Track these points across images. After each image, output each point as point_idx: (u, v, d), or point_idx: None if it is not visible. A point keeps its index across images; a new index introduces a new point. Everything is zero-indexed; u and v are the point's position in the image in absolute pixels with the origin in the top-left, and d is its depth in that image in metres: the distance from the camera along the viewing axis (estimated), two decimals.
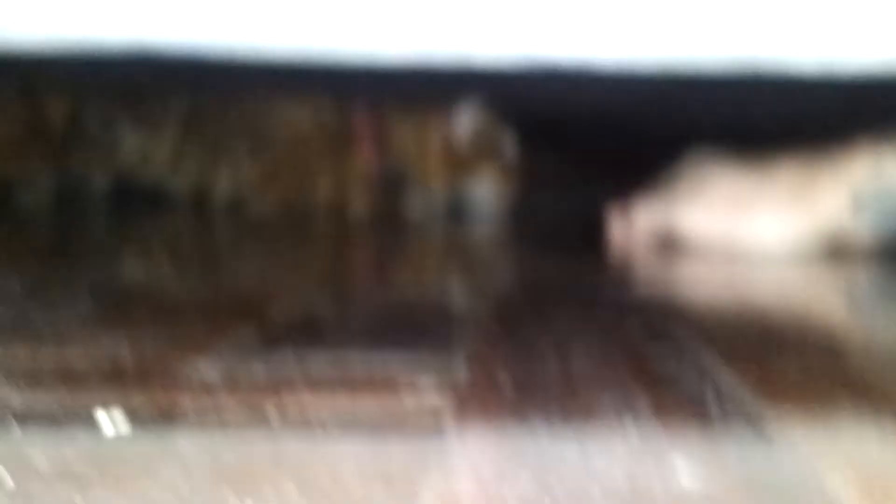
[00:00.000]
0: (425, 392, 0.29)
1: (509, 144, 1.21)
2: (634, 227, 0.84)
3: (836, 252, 0.73)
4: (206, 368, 0.31)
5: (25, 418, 0.26)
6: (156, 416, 0.26)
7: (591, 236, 0.93)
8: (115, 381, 0.30)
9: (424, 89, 1.14)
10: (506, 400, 0.28)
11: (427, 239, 0.99)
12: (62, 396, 0.28)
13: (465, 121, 1.18)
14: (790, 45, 0.78)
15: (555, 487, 0.21)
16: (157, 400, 0.28)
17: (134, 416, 0.26)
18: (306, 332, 0.40)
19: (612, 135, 1.21)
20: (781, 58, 0.78)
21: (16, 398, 0.28)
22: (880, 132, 0.73)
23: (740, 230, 0.76)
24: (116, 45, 0.81)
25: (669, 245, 0.80)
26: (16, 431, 0.25)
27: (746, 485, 0.22)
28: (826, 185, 0.73)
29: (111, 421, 0.25)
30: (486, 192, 1.20)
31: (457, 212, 1.21)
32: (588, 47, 0.79)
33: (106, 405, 0.26)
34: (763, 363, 0.35)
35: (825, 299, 0.58)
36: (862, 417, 0.27)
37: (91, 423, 0.25)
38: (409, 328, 0.40)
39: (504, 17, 0.82)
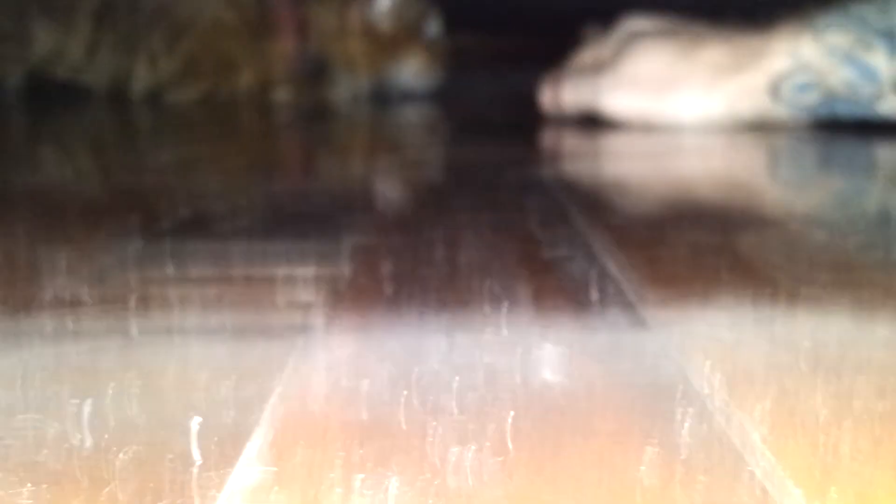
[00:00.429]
0: (300, 287, 0.28)
1: (434, 25, 1.18)
2: (562, 103, 0.84)
3: (756, 128, 0.73)
4: (72, 267, 0.30)
5: None
6: (7, 314, 0.25)
7: (520, 118, 0.92)
8: None
9: None
10: (382, 293, 0.28)
11: (348, 126, 0.97)
12: None
13: (386, 2, 1.14)
14: None
15: (413, 383, 0.20)
16: (12, 298, 0.27)
17: None
18: (193, 227, 0.39)
19: (541, 10, 1.19)
20: None
21: None
22: (801, 13, 0.72)
23: (661, 111, 0.76)
24: None
25: (596, 119, 0.80)
26: None
27: (611, 376, 0.21)
28: (747, 68, 0.73)
29: None
30: (411, 74, 1.18)
31: (382, 96, 1.19)
32: None
33: None
34: (657, 246, 0.34)
35: (740, 169, 0.58)
36: (742, 302, 0.27)
37: None
38: (302, 220, 0.39)
39: None
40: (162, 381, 0.21)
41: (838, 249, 0.34)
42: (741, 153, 0.65)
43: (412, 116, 1.06)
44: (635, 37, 0.79)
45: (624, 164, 0.62)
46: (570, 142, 0.73)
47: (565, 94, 0.83)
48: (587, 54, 0.85)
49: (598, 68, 0.81)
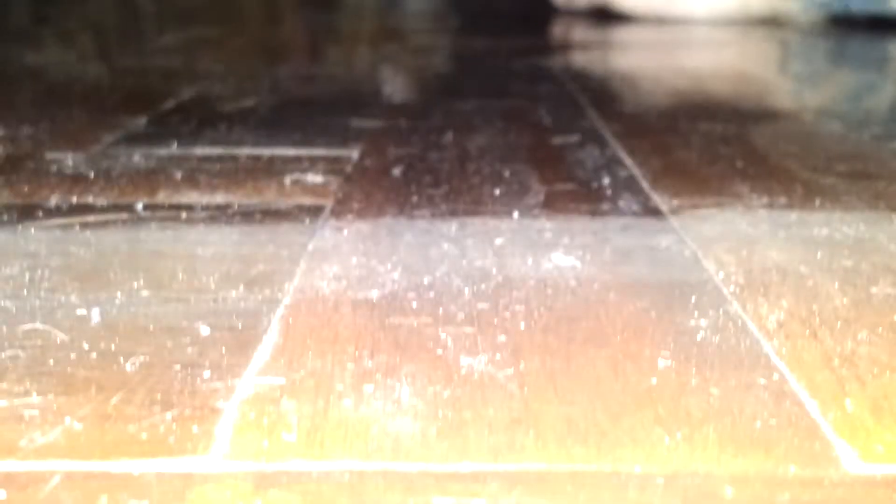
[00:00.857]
0: (310, 186, 0.28)
1: None
2: (574, 2, 0.82)
3: (769, 24, 0.72)
4: (80, 159, 0.30)
5: None
6: (14, 209, 0.25)
7: (530, 11, 0.90)
8: None
9: None
10: (392, 193, 0.27)
11: (355, 15, 0.95)
12: None
13: None
14: None
15: (423, 287, 0.20)
16: (20, 192, 0.26)
17: None
18: (197, 108, 0.38)
19: None
20: None
21: None
22: None
23: (673, 6, 0.74)
24: None
25: (609, 16, 0.78)
26: None
27: (627, 272, 0.21)
28: None
29: None
30: None
31: None
32: None
33: None
34: (670, 135, 0.34)
35: (753, 63, 0.57)
36: (757, 192, 0.27)
37: None
38: (314, 116, 0.38)
39: None
40: (170, 282, 0.21)
41: (852, 141, 0.33)
42: (754, 48, 0.64)
43: (420, 6, 1.04)
44: None
45: (635, 57, 0.61)
46: (581, 34, 0.72)
47: None
48: None
49: None
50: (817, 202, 0.25)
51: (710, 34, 0.68)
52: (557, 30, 0.76)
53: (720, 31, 0.69)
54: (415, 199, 0.26)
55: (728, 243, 0.22)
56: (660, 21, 0.75)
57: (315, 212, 0.25)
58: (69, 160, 0.29)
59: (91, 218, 0.24)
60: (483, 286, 0.20)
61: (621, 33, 0.71)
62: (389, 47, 0.63)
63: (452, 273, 0.20)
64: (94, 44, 0.65)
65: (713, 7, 0.75)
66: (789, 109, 0.41)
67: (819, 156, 0.31)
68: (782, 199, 0.26)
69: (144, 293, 0.19)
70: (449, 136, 0.34)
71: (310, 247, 0.22)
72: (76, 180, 0.27)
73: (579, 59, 0.58)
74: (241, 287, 0.19)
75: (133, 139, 0.32)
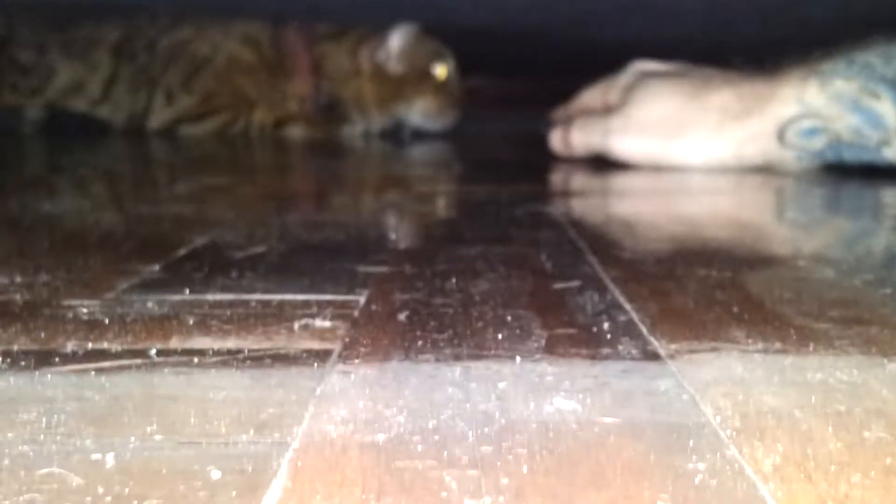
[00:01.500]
0: (318, 331, 0.28)
1: (447, 67, 1.19)
2: (572, 145, 0.85)
3: (764, 171, 0.74)
4: (96, 306, 0.31)
5: None
6: (31, 355, 0.25)
7: (530, 157, 0.92)
8: None
9: (357, 13, 1.11)
10: (398, 338, 0.28)
11: (360, 163, 0.98)
12: None
13: (396, 44, 1.16)
14: None
15: (429, 431, 0.20)
16: (35, 338, 0.27)
17: (8, 355, 0.25)
18: (209, 255, 0.39)
19: (551, 52, 1.20)
20: None
21: None
22: (807, 59, 0.73)
23: (670, 154, 0.76)
24: None
25: (605, 160, 0.81)
26: None
27: (626, 417, 0.21)
28: (754, 113, 0.74)
29: None
30: (422, 115, 1.19)
31: (394, 135, 1.20)
32: None
33: None
34: (667, 281, 0.35)
35: (748, 209, 0.58)
36: (752, 338, 0.27)
37: None
38: (323, 262, 0.39)
39: None
40: (183, 426, 0.21)
41: (846, 287, 0.34)
42: (749, 194, 0.66)
43: (424, 155, 1.07)
44: (644, 79, 0.80)
45: (632, 203, 0.63)
46: (580, 180, 0.74)
47: (575, 135, 0.84)
48: (595, 94, 0.86)
49: (607, 110, 0.82)
50: (811, 347, 0.26)
51: (705, 181, 0.70)
52: (557, 177, 0.78)
53: (716, 178, 0.71)
54: (420, 343, 0.27)
55: (724, 387, 0.23)
56: (656, 167, 0.77)
57: (323, 356, 0.25)
58: (85, 307, 0.30)
59: (106, 363, 0.24)
60: (486, 430, 0.20)
61: (619, 180, 0.73)
62: (394, 194, 0.65)
63: (457, 417, 0.21)
64: (108, 192, 0.67)
65: (708, 155, 0.77)
66: (784, 255, 0.42)
67: (813, 302, 0.32)
68: (777, 344, 0.26)
69: (158, 437, 0.20)
70: (453, 282, 0.35)
71: (318, 391, 0.23)
72: (91, 326, 0.28)
73: (578, 205, 0.59)
74: (252, 431, 0.20)
75: (147, 286, 0.34)
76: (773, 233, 0.51)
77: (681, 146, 0.77)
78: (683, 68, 0.82)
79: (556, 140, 0.87)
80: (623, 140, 0.79)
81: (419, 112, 1.18)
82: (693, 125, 0.76)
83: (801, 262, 0.39)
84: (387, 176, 0.85)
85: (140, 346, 0.26)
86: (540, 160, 0.87)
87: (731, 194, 0.66)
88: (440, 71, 1.17)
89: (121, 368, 0.24)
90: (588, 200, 0.62)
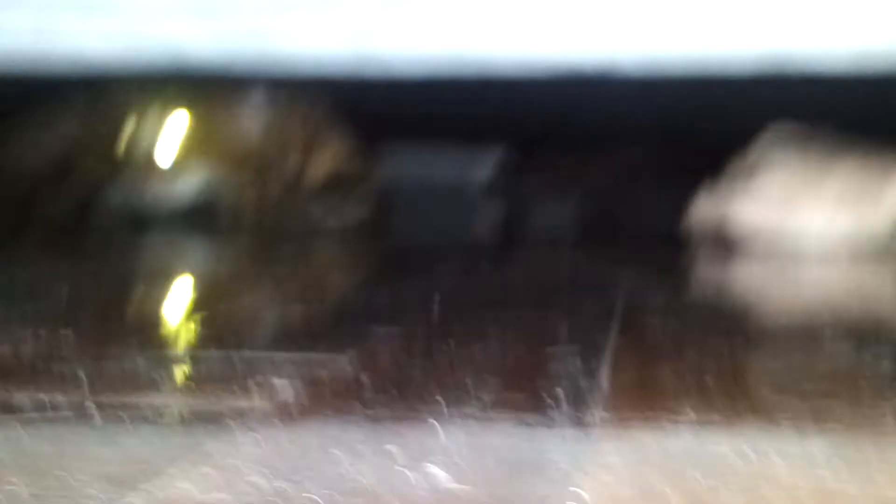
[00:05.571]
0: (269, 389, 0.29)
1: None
2: (698, 217, 0.82)
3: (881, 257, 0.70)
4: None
5: None
6: None
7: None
8: None
9: None
10: (338, 400, 0.28)
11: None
12: None
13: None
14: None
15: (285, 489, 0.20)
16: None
17: None
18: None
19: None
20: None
21: None
22: None
23: (787, 232, 0.74)
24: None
25: (724, 236, 0.79)
26: None
27: (493, 476, 0.21)
28: (872, 197, 0.71)
29: None
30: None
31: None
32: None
33: None
34: (665, 357, 0.34)
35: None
36: (683, 417, 0.26)
37: None
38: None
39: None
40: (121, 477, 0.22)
41: (851, 362, 0.32)
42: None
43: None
44: (768, 155, 0.77)
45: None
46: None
47: (700, 210, 0.81)
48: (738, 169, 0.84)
49: (732, 184, 0.80)
50: (746, 419, 0.25)
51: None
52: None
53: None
54: (355, 403, 0.27)
55: (614, 457, 0.22)
56: (772, 244, 0.74)
57: (242, 415, 0.26)
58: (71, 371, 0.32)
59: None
60: (337, 494, 0.20)
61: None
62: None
63: (315, 479, 0.21)
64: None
65: (825, 237, 0.74)
66: (814, 330, 0.40)
67: (799, 375, 0.30)
68: (713, 416, 0.25)
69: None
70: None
71: (207, 447, 0.23)
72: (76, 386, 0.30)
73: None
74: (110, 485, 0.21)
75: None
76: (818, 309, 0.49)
77: (799, 225, 0.74)
78: (812, 140, 0.79)
79: (697, 212, 0.84)
80: (743, 214, 0.77)
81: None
82: (811, 206, 0.73)
83: (828, 337, 0.37)
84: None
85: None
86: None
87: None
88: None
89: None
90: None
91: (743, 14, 0.74)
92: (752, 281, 0.55)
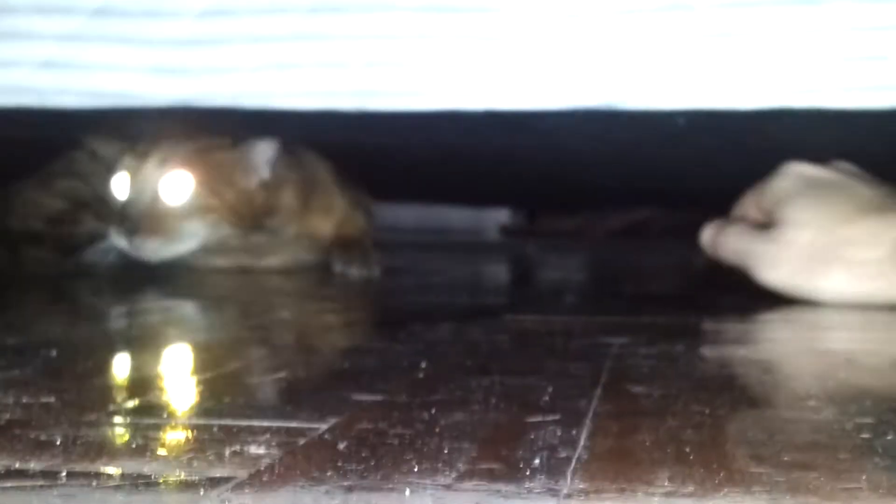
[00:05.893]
0: (244, 458, 0.29)
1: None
2: (720, 250, 0.81)
3: None
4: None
5: None
6: None
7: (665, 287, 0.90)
8: None
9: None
10: (315, 469, 0.28)
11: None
12: None
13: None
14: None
15: None
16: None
17: None
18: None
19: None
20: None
21: None
22: None
23: (814, 290, 0.73)
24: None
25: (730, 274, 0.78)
26: None
27: None
28: None
29: None
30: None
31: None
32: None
33: None
34: (642, 426, 0.33)
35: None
36: (660, 489, 0.26)
37: None
38: (321, 388, 0.40)
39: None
40: None
41: (832, 430, 0.32)
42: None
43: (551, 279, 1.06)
44: (796, 194, 0.75)
45: (722, 348, 0.60)
46: (683, 311, 0.72)
47: (723, 240, 0.80)
48: (749, 200, 0.83)
49: (762, 216, 0.78)
50: (724, 492, 0.25)
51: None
52: (668, 308, 0.76)
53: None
54: (329, 473, 0.27)
55: None
56: (799, 298, 0.74)
57: (217, 484, 0.26)
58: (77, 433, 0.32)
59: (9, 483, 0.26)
60: None
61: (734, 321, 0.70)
62: (474, 326, 0.65)
63: None
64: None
65: (853, 295, 0.74)
66: (795, 397, 0.39)
67: (779, 444, 0.30)
68: (689, 488, 0.25)
69: None
70: (431, 412, 0.34)
71: None
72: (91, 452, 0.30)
73: (644, 339, 0.58)
74: None
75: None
76: (824, 370, 0.48)
77: (826, 284, 0.73)
78: (841, 177, 0.78)
79: (706, 235, 0.83)
80: (768, 268, 0.76)
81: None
82: (839, 263, 0.72)
83: (811, 403, 0.37)
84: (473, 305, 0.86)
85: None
86: (673, 291, 0.84)
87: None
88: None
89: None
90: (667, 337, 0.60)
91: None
92: (753, 342, 0.55)
